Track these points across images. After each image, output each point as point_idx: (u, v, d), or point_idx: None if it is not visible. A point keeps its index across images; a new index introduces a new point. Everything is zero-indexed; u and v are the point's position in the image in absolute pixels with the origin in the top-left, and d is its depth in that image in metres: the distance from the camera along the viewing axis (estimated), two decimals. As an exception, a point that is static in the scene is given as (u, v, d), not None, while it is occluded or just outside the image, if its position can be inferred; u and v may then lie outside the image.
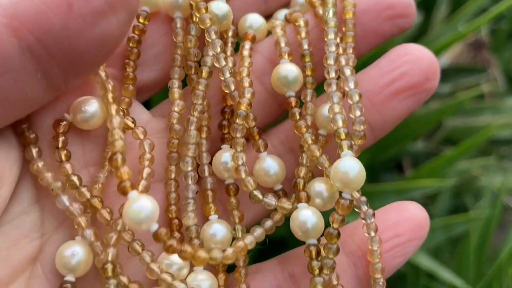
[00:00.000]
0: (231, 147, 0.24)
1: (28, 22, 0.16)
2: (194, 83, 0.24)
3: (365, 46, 0.25)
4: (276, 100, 0.25)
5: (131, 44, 0.23)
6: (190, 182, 0.23)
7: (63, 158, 0.21)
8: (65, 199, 0.20)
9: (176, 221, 0.23)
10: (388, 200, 0.42)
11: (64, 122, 0.21)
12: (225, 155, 0.23)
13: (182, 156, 0.23)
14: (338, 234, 0.21)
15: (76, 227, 0.21)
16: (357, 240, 0.24)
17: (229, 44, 0.24)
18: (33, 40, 0.16)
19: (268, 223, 0.22)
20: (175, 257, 0.22)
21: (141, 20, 0.23)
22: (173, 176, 0.23)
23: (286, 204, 0.22)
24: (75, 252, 0.20)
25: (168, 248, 0.19)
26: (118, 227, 0.20)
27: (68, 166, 0.21)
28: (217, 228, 0.22)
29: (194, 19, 0.23)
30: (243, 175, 0.22)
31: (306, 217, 0.21)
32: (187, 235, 0.23)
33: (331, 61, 0.23)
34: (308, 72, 0.24)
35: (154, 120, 0.25)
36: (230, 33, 0.24)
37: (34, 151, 0.20)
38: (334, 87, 0.23)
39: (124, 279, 0.20)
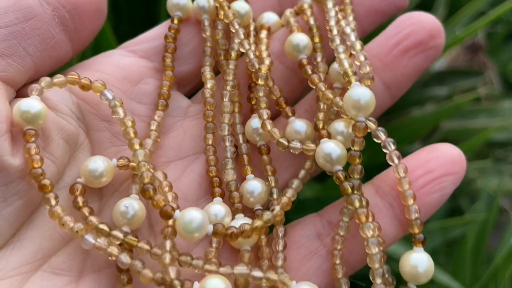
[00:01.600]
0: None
1: None
2: (224, 67, 0.27)
3: (368, 25, 0.28)
4: (298, 76, 0.28)
5: (168, 40, 0.27)
6: (227, 144, 0.26)
7: (87, 213, 0.23)
8: (89, 238, 0.22)
9: (216, 179, 0.25)
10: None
11: (79, 186, 0.23)
12: (255, 121, 0.26)
13: (219, 124, 0.26)
14: (360, 156, 0.23)
15: (110, 258, 0.22)
16: (390, 182, 0.25)
17: (251, 36, 0.28)
18: None
19: (302, 172, 0.25)
20: (219, 206, 0.24)
21: (175, 21, 0.28)
22: (210, 142, 0.26)
23: (310, 145, 0.24)
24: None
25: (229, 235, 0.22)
26: (167, 247, 0.22)
27: (93, 218, 0.22)
28: (255, 185, 0.25)
29: (219, 16, 0.28)
30: (269, 127, 0.25)
31: (330, 149, 0.23)
32: (227, 189, 0.25)
33: (332, 23, 0.26)
34: (316, 40, 0.27)
35: (193, 105, 0.28)
36: (251, 27, 0.28)
37: (52, 198, 0.22)
38: (337, 41, 0.25)
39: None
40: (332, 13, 0.27)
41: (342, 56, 0.25)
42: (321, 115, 0.25)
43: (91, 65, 0.26)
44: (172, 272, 0.21)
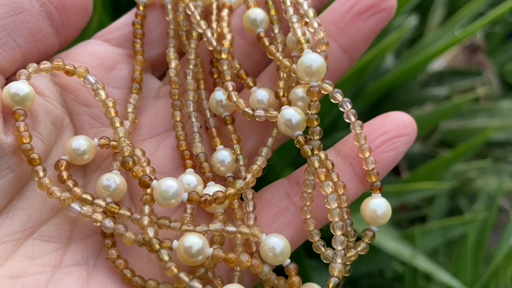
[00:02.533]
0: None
1: None
2: (186, 47, 0.28)
3: (363, 46, 0.28)
4: (260, 50, 0.29)
5: (135, 27, 0.29)
6: (193, 119, 0.27)
7: (71, 185, 0.24)
8: (76, 206, 0.23)
9: (187, 152, 0.27)
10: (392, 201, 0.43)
11: (64, 162, 0.25)
12: (218, 94, 0.27)
13: (185, 101, 0.28)
14: (317, 119, 0.25)
15: (95, 224, 0.23)
16: (349, 145, 0.27)
17: (214, 14, 0.29)
18: None
19: (270, 140, 0.27)
20: (191, 176, 0.26)
21: (141, 8, 0.29)
22: (178, 119, 0.27)
23: (273, 113, 0.25)
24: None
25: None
26: (146, 211, 0.23)
27: (77, 189, 0.24)
28: (224, 155, 0.27)
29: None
30: (234, 98, 0.26)
31: (290, 115, 0.25)
32: (197, 161, 0.27)
33: None
34: (273, 13, 0.28)
35: (164, 86, 0.30)
36: (214, 6, 0.29)
37: (40, 170, 0.23)
38: (291, 11, 0.26)
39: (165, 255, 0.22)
40: None
41: (296, 25, 0.26)
42: (281, 83, 0.27)
43: (69, 55, 0.27)
44: (150, 232, 0.22)
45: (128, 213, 0.24)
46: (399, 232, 0.46)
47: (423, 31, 0.72)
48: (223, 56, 0.26)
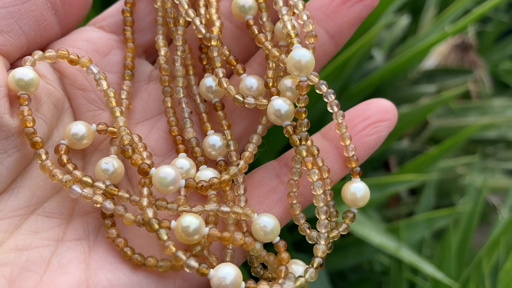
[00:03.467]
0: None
1: None
2: (174, 33, 0.29)
3: (347, 33, 0.29)
4: (248, 35, 0.29)
5: (125, 15, 0.29)
6: (183, 105, 0.28)
7: (71, 168, 0.25)
8: (76, 187, 0.24)
9: (179, 137, 0.28)
10: (373, 194, 0.44)
11: (63, 146, 0.26)
12: (208, 80, 0.28)
13: (175, 87, 0.28)
14: (305, 111, 0.26)
15: (95, 205, 0.25)
16: (334, 130, 0.28)
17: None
18: None
19: (260, 127, 0.28)
20: (184, 160, 0.26)
21: None
22: (169, 105, 0.28)
23: (263, 101, 0.26)
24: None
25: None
26: (145, 193, 0.24)
27: (77, 172, 0.25)
28: (215, 140, 0.27)
29: None
30: (225, 84, 0.27)
31: (279, 105, 0.26)
32: (189, 146, 0.28)
33: None
34: (261, 0, 0.29)
35: (156, 70, 0.31)
36: None
37: (43, 153, 0.24)
38: (281, 3, 0.27)
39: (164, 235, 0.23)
40: None
41: (285, 18, 0.27)
42: (270, 73, 0.27)
43: (65, 41, 0.28)
44: (149, 213, 0.23)
45: (127, 195, 0.25)
46: (385, 226, 0.46)
47: (415, 31, 0.72)
48: (213, 43, 0.27)
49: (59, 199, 0.25)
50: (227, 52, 0.28)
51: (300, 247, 0.46)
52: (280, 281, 0.24)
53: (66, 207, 0.25)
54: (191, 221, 0.23)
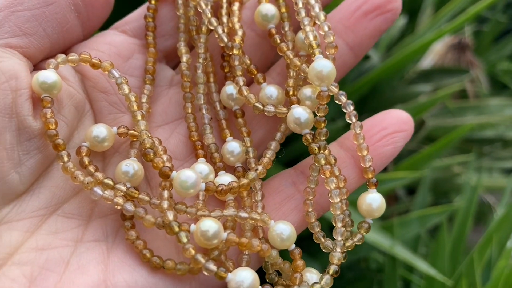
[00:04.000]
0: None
1: None
2: (196, 41, 0.30)
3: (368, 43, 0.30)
4: (268, 42, 0.30)
5: (147, 20, 0.30)
6: (204, 112, 0.29)
7: (92, 170, 0.25)
8: (98, 189, 0.25)
9: (198, 142, 0.28)
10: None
11: (85, 149, 0.26)
12: (229, 88, 0.29)
13: (195, 94, 0.29)
14: (324, 121, 0.26)
15: (116, 207, 0.25)
16: (352, 139, 0.28)
17: (224, 8, 0.30)
18: None
19: (278, 134, 0.28)
20: (203, 165, 0.27)
21: (152, 2, 0.30)
22: (189, 110, 0.29)
23: (283, 109, 0.27)
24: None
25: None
26: (165, 196, 0.25)
27: (99, 174, 0.25)
28: (234, 146, 0.28)
29: None
30: (245, 92, 0.27)
31: (299, 113, 0.26)
32: (208, 151, 0.28)
33: None
34: (283, 10, 0.29)
35: (177, 75, 0.31)
36: (224, 0, 0.30)
37: (65, 155, 0.25)
38: (303, 13, 0.28)
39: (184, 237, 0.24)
40: None
41: (307, 28, 0.27)
42: (291, 82, 0.28)
43: (88, 44, 0.29)
44: (170, 215, 0.24)
45: (147, 198, 0.25)
46: (380, 223, 0.47)
47: (412, 31, 0.73)
48: (235, 51, 0.28)
49: (79, 201, 0.26)
50: (248, 61, 0.28)
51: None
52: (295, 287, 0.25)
53: (86, 208, 0.26)
54: (210, 225, 0.24)
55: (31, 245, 0.23)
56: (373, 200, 0.27)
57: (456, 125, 0.63)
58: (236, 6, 0.30)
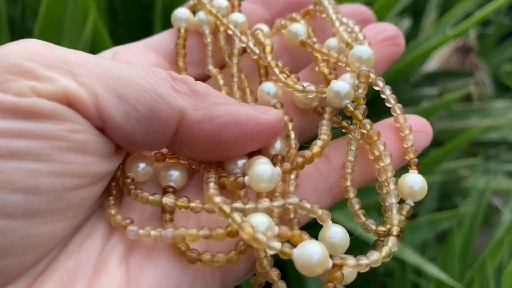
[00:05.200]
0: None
1: (190, 127, 0.23)
2: (229, 62, 0.30)
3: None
4: (289, 53, 0.31)
5: (178, 47, 0.30)
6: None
7: (138, 193, 0.24)
8: (134, 228, 0.23)
9: None
10: (375, 196, 0.44)
11: (129, 180, 0.25)
12: (265, 85, 0.28)
13: None
14: (364, 97, 0.26)
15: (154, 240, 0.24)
16: (388, 123, 0.28)
17: (248, 34, 0.31)
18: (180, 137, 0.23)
19: (326, 115, 0.27)
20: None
21: (182, 31, 0.31)
22: None
23: (323, 89, 0.27)
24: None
25: None
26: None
27: (145, 193, 0.24)
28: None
29: (218, 26, 0.31)
30: (282, 79, 0.27)
31: (340, 86, 0.26)
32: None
33: (330, 11, 0.30)
34: (310, 31, 0.30)
35: None
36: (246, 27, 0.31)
37: (112, 200, 0.25)
38: (337, 24, 0.29)
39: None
40: (331, 11, 0.30)
41: (341, 28, 0.28)
42: (325, 70, 0.28)
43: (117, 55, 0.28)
44: (218, 199, 0.22)
45: (200, 205, 0.24)
46: (389, 227, 0.47)
47: (417, 33, 0.73)
48: (267, 49, 0.28)
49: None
50: (281, 65, 0.29)
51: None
52: (367, 253, 0.23)
53: None
54: (261, 220, 0.22)
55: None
56: (415, 182, 0.26)
57: (461, 128, 0.63)
58: (259, 32, 0.31)
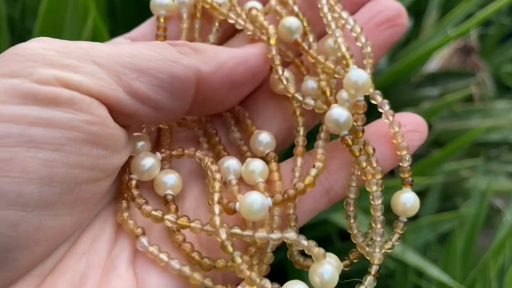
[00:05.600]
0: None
1: (208, 82, 0.24)
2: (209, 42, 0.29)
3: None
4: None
5: (159, 39, 0.29)
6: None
7: (141, 203, 0.25)
8: (144, 241, 0.24)
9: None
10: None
11: (134, 181, 0.25)
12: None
13: None
14: (363, 130, 0.26)
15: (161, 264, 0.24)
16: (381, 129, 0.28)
17: (243, 14, 0.29)
18: (201, 94, 0.24)
19: (322, 133, 0.27)
20: (232, 160, 0.26)
21: (161, 20, 0.29)
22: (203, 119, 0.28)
23: (323, 106, 0.27)
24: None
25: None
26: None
27: (148, 207, 0.24)
28: (263, 136, 0.27)
29: (198, 7, 0.30)
30: (285, 81, 0.27)
31: (339, 114, 0.26)
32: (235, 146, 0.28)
33: (325, 10, 0.28)
34: (305, 24, 0.29)
35: None
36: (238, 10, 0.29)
37: (125, 203, 0.25)
38: (333, 26, 0.28)
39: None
40: (324, 1, 0.29)
41: (340, 40, 0.27)
42: (323, 84, 0.27)
43: None
44: (223, 234, 0.23)
45: (199, 226, 0.24)
46: (390, 229, 0.46)
47: (418, 34, 0.73)
48: (272, 41, 0.27)
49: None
50: (292, 55, 0.28)
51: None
52: None
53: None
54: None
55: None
56: (408, 199, 0.27)
57: (462, 128, 0.63)
58: (255, 11, 0.29)
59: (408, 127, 0.28)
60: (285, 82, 0.27)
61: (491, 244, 0.49)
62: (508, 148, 0.68)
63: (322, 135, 0.28)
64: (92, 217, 0.24)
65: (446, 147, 0.50)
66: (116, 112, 0.22)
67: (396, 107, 0.56)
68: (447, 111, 0.66)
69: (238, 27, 0.28)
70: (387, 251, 0.26)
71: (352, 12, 0.30)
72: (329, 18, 0.28)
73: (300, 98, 0.27)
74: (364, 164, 0.26)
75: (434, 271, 0.41)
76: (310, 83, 0.28)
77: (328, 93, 0.27)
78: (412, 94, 0.60)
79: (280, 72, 0.27)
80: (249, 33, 0.28)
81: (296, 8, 0.29)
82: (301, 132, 0.27)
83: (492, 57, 0.81)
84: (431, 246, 0.50)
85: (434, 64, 0.70)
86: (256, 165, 0.26)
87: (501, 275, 0.43)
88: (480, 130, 0.50)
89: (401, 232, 0.27)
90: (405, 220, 0.27)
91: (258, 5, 0.30)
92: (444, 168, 0.56)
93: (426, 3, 0.74)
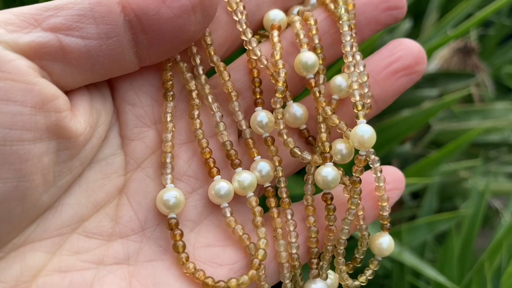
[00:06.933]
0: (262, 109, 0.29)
1: (133, 3, 0.23)
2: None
3: (367, 33, 0.30)
4: (299, 76, 0.29)
5: None
6: (214, 109, 0.28)
7: (181, 250, 0.25)
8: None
9: (211, 159, 0.27)
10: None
11: (174, 221, 0.26)
12: (261, 115, 0.28)
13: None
14: (360, 180, 0.27)
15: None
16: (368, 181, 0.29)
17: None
18: (133, 16, 0.23)
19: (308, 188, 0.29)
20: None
21: None
22: (197, 126, 0.27)
23: (318, 159, 0.28)
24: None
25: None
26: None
27: (190, 264, 0.25)
28: (263, 165, 0.28)
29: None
30: (285, 137, 0.28)
31: (328, 173, 0.27)
32: (223, 148, 0.28)
33: (347, 48, 0.28)
34: (320, 62, 0.29)
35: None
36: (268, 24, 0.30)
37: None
38: (352, 69, 0.28)
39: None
40: (347, 38, 0.28)
41: (355, 86, 0.28)
42: (324, 137, 0.28)
43: None
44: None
45: (223, 284, 0.25)
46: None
47: (418, 35, 0.73)
48: (278, 95, 0.28)
49: (99, 219, 0.25)
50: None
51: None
52: None
53: (106, 227, 0.25)
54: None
55: (54, 267, 0.22)
56: (384, 242, 0.29)
57: (461, 129, 0.63)
58: (276, 37, 0.29)
59: (389, 186, 0.29)
60: (285, 137, 0.28)
61: (490, 244, 0.49)
62: (508, 149, 0.68)
63: (310, 179, 0.29)
64: (60, 194, 0.24)
65: (445, 148, 0.50)
66: (43, 55, 0.22)
67: (396, 108, 0.56)
68: (447, 111, 0.65)
69: (253, 57, 0.28)
70: (362, 283, 0.29)
71: (375, 32, 0.30)
72: (350, 59, 0.28)
73: (299, 153, 0.28)
74: (350, 217, 0.28)
75: (430, 272, 0.41)
76: (295, 108, 0.29)
77: (326, 150, 0.28)
78: (411, 94, 0.60)
79: (281, 126, 0.28)
80: (249, 47, 0.28)
81: (316, 40, 0.29)
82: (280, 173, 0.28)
83: (492, 58, 0.81)
84: (429, 246, 0.50)
85: (433, 64, 0.70)
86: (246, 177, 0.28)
87: (498, 275, 0.43)
88: (479, 131, 0.50)
89: (374, 268, 0.30)
90: (380, 259, 0.30)
91: (280, 14, 0.30)
92: (443, 169, 0.56)
93: (426, 4, 0.74)
